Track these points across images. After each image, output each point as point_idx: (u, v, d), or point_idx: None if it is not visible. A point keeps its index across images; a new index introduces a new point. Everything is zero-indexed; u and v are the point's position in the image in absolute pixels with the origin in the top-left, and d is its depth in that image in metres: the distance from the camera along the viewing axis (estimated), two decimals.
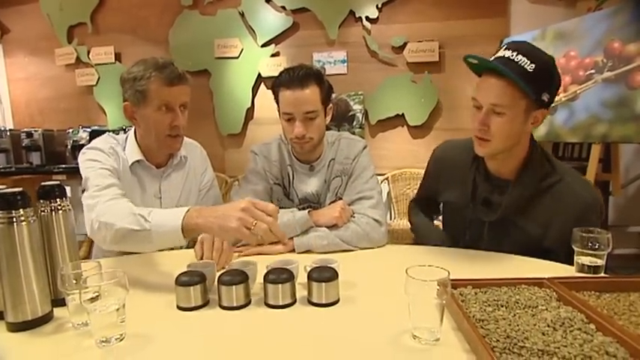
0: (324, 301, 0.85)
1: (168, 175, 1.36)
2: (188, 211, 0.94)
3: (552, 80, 1.02)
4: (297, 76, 1.22)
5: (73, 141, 3.24)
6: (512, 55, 0.99)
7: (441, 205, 1.37)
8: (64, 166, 3.25)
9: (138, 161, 1.30)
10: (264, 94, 3.37)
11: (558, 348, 0.60)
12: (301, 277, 0.94)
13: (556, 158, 1.18)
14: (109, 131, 3.07)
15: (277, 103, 1.30)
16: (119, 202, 1.09)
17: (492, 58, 1.05)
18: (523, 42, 1.05)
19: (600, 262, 0.94)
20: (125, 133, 1.38)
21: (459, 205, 1.23)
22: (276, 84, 1.28)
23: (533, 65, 0.97)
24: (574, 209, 1.06)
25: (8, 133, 3.36)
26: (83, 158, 1.24)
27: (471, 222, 1.21)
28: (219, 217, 0.89)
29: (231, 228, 0.86)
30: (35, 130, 3.32)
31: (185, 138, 1.42)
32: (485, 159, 1.16)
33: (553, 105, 2.57)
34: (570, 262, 0.99)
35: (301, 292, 0.89)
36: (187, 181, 1.41)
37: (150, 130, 1.26)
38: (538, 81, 0.98)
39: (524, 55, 0.98)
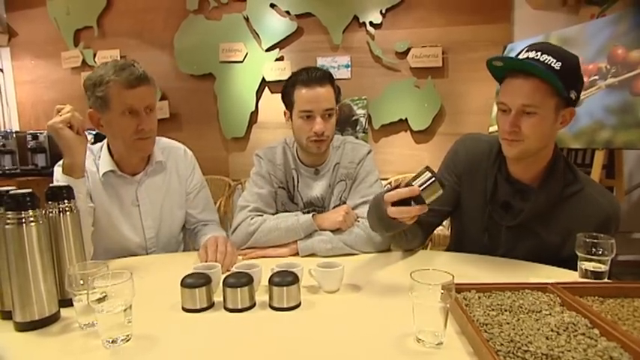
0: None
1: (143, 182, 1.33)
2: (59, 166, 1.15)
3: (578, 77, 1.01)
4: (315, 76, 1.25)
5: None
6: (537, 55, 0.98)
7: (445, 209, 1.30)
8: None
9: (111, 171, 1.27)
10: (269, 98, 3.39)
11: (562, 352, 0.61)
12: (305, 281, 0.94)
13: None
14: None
15: (290, 103, 1.29)
16: None
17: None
18: (544, 42, 1.03)
19: (604, 267, 0.94)
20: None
21: (476, 207, 1.19)
22: (292, 83, 1.28)
23: (560, 63, 0.96)
24: (595, 219, 1.05)
25: (14, 135, 3.38)
26: (54, 177, 1.22)
27: (488, 225, 1.17)
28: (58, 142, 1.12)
29: (54, 129, 1.12)
30: (41, 133, 3.34)
31: (169, 141, 1.42)
32: (509, 162, 1.12)
33: None
34: None
35: (305, 295, 0.90)
36: (170, 187, 1.38)
37: (117, 136, 1.23)
38: (566, 78, 0.96)
39: (549, 54, 0.97)
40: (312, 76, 1.25)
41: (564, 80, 0.96)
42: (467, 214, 1.24)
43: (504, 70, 1.04)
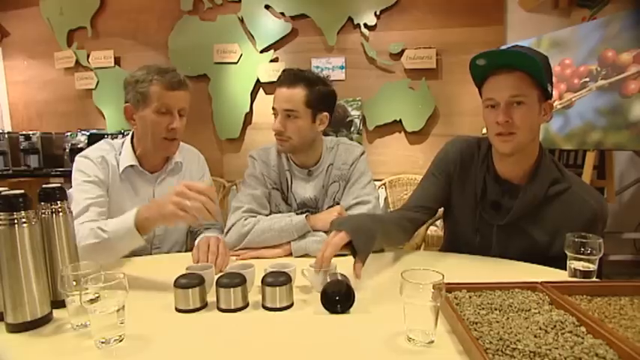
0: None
1: (162, 180, 1.37)
2: (138, 210, 1.01)
3: (552, 73, 1.08)
4: (288, 76, 1.29)
5: (71, 144, 3.24)
6: (518, 50, 1.03)
7: (442, 210, 1.33)
8: (61, 169, 3.25)
9: (132, 166, 1.31)
10: (263, 99, 3.39)
11: (549, 350, 0.62)
12: (298, 281, 0.95)
13: None
14: (107, 135, 3.09)
15: None
16: (85, 224, 1.11)
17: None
18: (517, 45, 1.09)
19: (592, 266, 0.95)
20: (124, 137, 1.40)
21: (467, 207, 1.21)
22: (276, 83, 1.33)
23: (537, 58, 1.01)
24: (582, 218, 1.07)
25: (6, 136, 3.36)
26: (74, 167, 1.27)
27: (479, 226, 1.19)
28: (159, 206, 0.96)
29: (169, 212, 0.93)
30: (33, 133, 3.32)
31: (184, 144, 1.45)
32: (496, 161, 1.16)
33: None
34: None
35: (298, 295, 0.91)
36: None
37: (147, 132, 1.28)
38: (545, 72, 1.02)
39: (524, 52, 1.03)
40: (286, 75, 1.29)
41: (544, 73, 1.02)
42: (458, 215, 1.25)
43: (486, 70, 1.07)
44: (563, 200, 1.10)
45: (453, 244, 1.30)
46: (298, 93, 1.28)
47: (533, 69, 1.01)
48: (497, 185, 1.15)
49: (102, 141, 1.37)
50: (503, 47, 1.08)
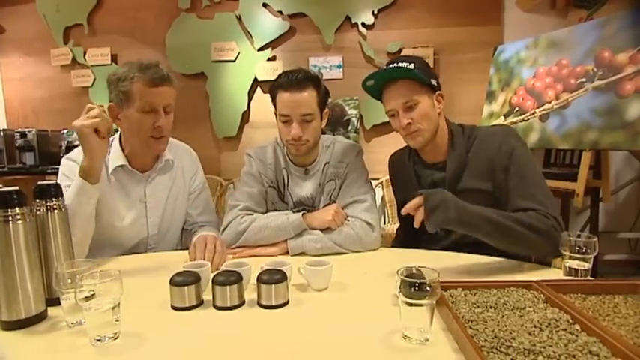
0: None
1: (153, 179, 1.35)
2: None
3: (430, 69, 1.27)
4: (295, 79, 1.24)
5: (68, 142, 3.22)
6: (395, 65, 1.21)
7: None
8: (58, 167, 3.21)
9: (121, 166, 1.29)
10: (260, 97, 3.38)
11: (544, 347, 0.62)
12: (295, 279, 0.95)
13: (548, 164, 1.23)
14: None
15: (274, 105, 1.31)
16: None
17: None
18: (399, 56, 1.27)
19: (587, 265, 0.96)
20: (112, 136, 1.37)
21: (411, 198, 1.26)
22: (275, 86, 1.29)
23: (413, 64, 1.19)
24: (494, 146, 1.21)
25: (1, 133, 3.33)
26: (60, 169, 1.25)
27: None
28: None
29: (77, 128, 1.04)
30: (29, 131, 3.30)
31: (175, 141, 1.43)
32: (420, 151, 1.31)
33: (545, 112, 2.58)
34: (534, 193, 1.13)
35: (294, 293, 0.91)
36: (175, 185, 1.40)
37: (133, 132, 1.24)
38: (422, 71, 1.19)
39: (403, 62, 1.21)
40: (291, 79, 1.24)
41: (421, 73, 1.19)
42: None
43: (379, 86, 1.24)
44: (476, 147, 1.24)
45: (408, 234, 1.35)
46: (311, 95, 1.26)
47: (413, 76, 1.17)
48: (427, 170, 1.31)
49: None
50: (391, 64, 1.25)
